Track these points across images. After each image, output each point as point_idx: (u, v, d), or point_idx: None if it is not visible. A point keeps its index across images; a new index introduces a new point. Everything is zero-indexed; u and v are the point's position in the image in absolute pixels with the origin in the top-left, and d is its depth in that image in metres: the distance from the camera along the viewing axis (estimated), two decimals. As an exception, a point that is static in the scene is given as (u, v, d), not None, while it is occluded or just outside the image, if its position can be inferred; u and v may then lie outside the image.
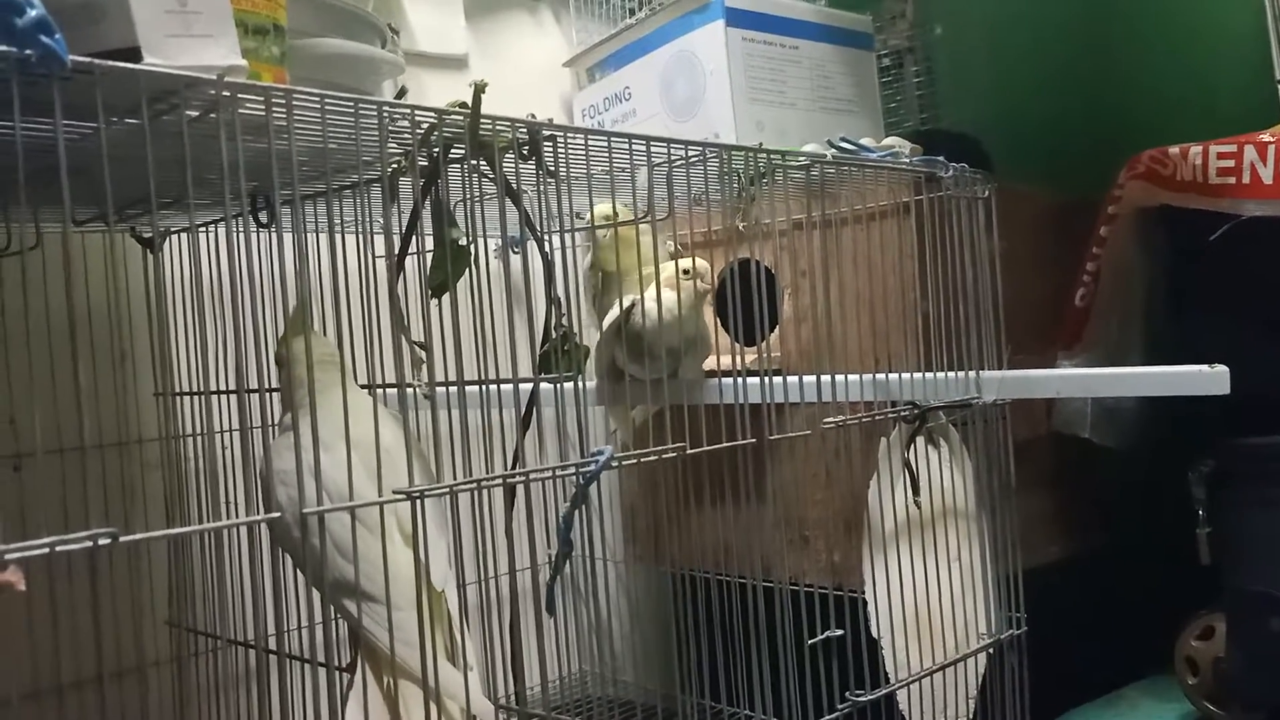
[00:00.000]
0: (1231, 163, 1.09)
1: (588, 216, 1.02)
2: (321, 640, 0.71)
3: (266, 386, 0.70)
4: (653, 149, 0.81)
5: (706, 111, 1.22)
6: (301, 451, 0.60)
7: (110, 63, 0.53)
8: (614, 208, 0.94)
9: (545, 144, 0.73)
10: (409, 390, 0.66)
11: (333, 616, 0.70)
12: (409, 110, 0.66)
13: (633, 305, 0.98)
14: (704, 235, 1.13)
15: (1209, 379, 0.85)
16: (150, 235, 0.93)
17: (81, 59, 0.51)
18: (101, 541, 0.48)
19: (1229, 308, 1.15)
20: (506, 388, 0.73)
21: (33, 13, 0.49)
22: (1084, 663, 1.27)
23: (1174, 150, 1.14)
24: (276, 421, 0.77)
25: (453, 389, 0.70)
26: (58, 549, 0.47)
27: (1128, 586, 1.30)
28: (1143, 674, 1.34)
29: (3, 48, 0.49)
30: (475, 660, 0.71)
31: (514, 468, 0.79)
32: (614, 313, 0.98)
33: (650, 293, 0.98)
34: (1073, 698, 1.28)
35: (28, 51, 0.49)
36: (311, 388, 0.62)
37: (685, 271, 0.96)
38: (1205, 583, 1.19)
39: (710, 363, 1.04)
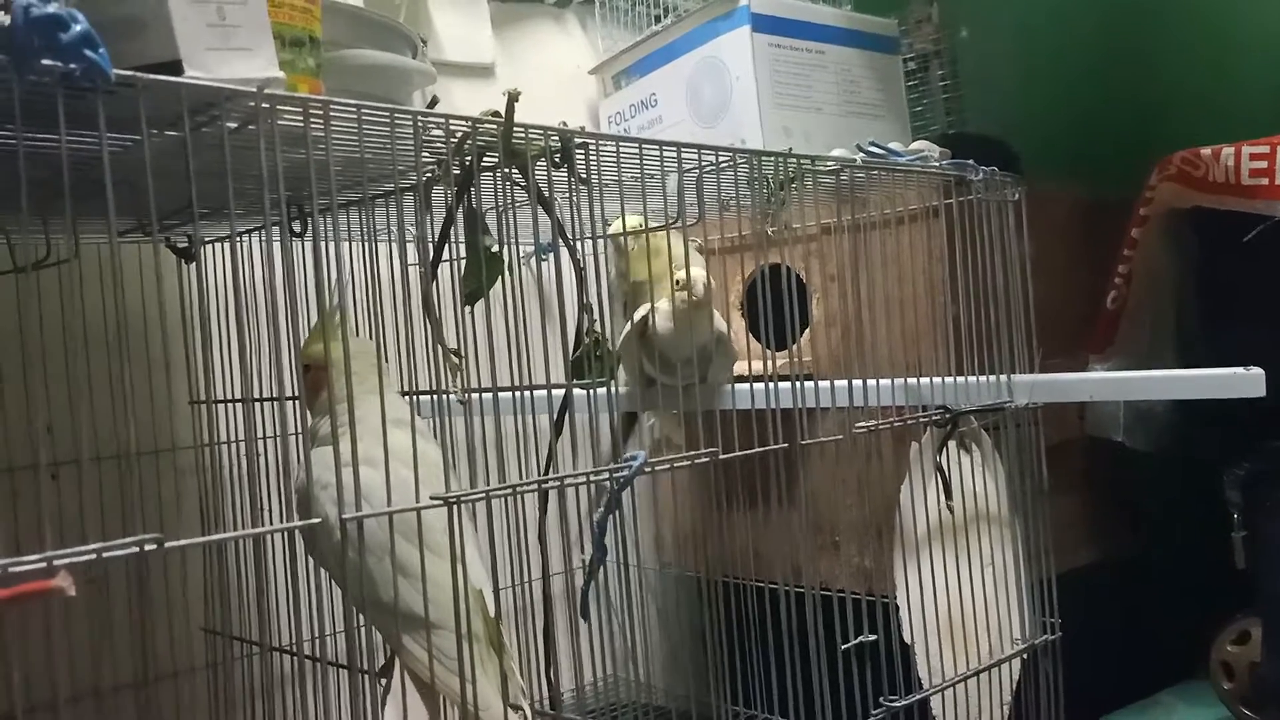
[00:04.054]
0: (1265, 164, 1.08)
1: (614, 225, 1.02)
2: (358, 645, 0.71)
3: (296, 394, 0.70)
4: (683, 155, 0.81)
5: (733, 117, 1.22)
6: (341, 460, 0.60)
7: (153, 76, 0.53)
8: (644, 220, 0.94)
9: (577, 151, 0.74)
10: (444, 396, 0.67)
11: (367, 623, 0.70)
12: (443, 120, 0.67)
13: (645, 316, 0.98)
14: (733, 240, 1.14)
15: (1244, 381, 0.84)
16: (185, 245, 0.94)
17: (125, 72, 0.52)
18: (148, 547, 0.49)
19: (1262, 309, 1.14)
20: (539, 393, 0.73)
21: (77, 28, 0.50)
22: (1118, 668, 1.26)
23: (1206, 151, 1.14)
24: (307, 429, 0.77)
25: (487, 395, 0.70)
26: (104, 555, 0.48)
27: (1162, 591, 1.29)
28: (1177, 679, 1.33)
29: (48, 62, 0.49)
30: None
31: (547, 473, 0.79)
32: (631, 322, 0.99)
33: (659, 304, 0.98)
34: (1107, 703, 1.27)
35: (72, 66, 0.50)
36: (350, 393, 0.62)
37: (678, 282, 0.95)
38: (1240, 587, 1.18)
39: (741, 368, 1.04)
